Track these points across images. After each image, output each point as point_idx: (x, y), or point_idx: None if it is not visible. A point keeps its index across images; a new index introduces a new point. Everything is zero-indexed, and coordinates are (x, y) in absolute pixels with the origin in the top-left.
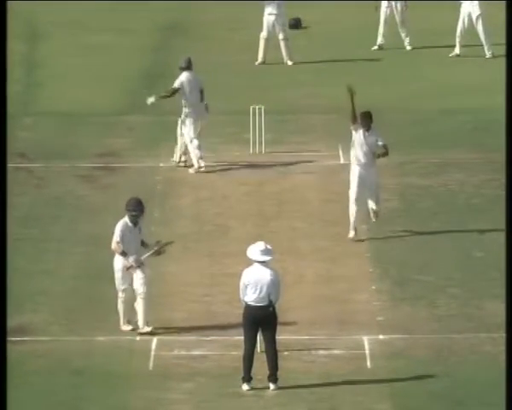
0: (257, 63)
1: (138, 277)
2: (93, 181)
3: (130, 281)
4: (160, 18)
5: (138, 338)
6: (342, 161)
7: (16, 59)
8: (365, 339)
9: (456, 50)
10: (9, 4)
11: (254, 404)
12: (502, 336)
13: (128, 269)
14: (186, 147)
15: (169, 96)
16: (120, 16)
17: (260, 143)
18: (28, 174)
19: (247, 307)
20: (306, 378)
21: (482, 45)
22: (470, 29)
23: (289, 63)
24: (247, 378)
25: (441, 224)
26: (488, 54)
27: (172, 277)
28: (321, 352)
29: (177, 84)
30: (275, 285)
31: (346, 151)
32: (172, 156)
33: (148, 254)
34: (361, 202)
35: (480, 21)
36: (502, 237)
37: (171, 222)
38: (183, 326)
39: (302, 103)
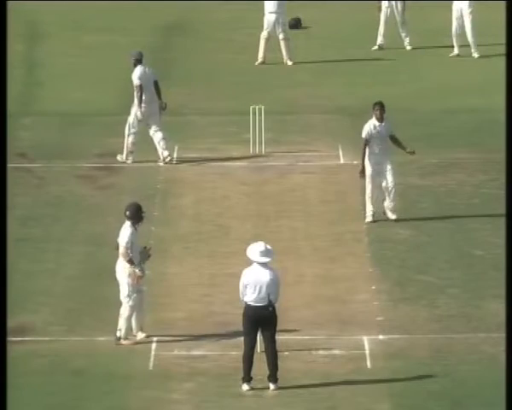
0: (257, 63)
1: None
2: (93, 181)
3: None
4: (160, 18)
5: (138, 338)
6: (342, 161)
7: (16, 59)
8: (365, 339)
9: (456, 50)
10: (9, 4)
11: (254, 404)
12: (501, 336)
13: (139, 280)
14: (163, 142)
15: (141, 95)
16: (120, 16)
17: (260, 143)
18: (28, 174)
19: (247, 307)
20: (306, 378)
21: (474, 45)
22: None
23: (289, 63)
24: (247, 378)
25: (441, 224)
26: (475, 54)
27: (172, 277)
28: (321, 352)
29: (137, 80)
30: (274, 285)
31: (346, 151)
32: (159, 157)
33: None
34: (376, 194)
35: (468, 20)
36: (502, 237)
37: (171, 222)
38: (183, 326)
39: (302, 103)
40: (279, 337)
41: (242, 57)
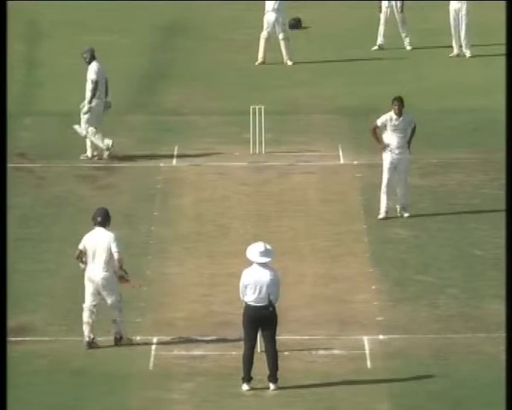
0: (257, 63)
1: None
2: (93, 181)
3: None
4: (160, 18)
5: (138, 338)
6: (342, 161)
7: (16, 59)
8: (365, 339)
9: (456, 50)
10: (9, 4)
11: (254, 404)
12: (501, 335)
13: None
14: (95, 138)
15: (95, 92)
16: (120, 16)
17: (260, 143)
18: (28, 174)
19: (247, 307)
20: (306, 378)
21: (472, 45)
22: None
23: (289, 63)
24: (247, 378)
25: (441, 224)
26: (467, 53)
27: (172, 277)
28: (321, 352)
29: (94, 75)
30: (275, 285)
31: (346, 151)
32: (86, 152)
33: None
34: (391, 188)
35: (464, 21)
36: (502, 237)
37: (171, 222)
38: (183, 326)
39: (302, 103)
40: (279, 337)
41: (242, 57)
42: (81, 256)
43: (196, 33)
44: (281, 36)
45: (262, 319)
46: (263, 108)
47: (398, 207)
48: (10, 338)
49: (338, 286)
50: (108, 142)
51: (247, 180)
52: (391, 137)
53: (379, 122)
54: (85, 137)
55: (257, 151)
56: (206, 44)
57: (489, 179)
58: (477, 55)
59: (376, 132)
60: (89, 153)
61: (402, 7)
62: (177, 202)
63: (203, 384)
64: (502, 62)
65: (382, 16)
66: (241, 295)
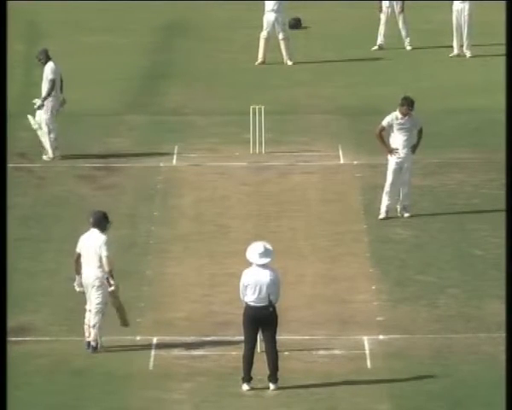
0: (257, 63)
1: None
2: (93, 181)
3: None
4: (160, 18)
5: (138, 338)
6: (342, 161)
7: (16, 59)
8: (365, 339)
9: (456, 50)
10: (9, 4)
11: (254, 404)
12: (502, 336)
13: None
14: (47, 138)
15: (52, 91)
16: (120, 16)
17: (260, 143)
18: (28, 174)
19: (248, 308)
20: (306, 378)
21: (472, 45)
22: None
23: (289, 63)
24: (247, 378)
25: (441, 224)
26: (467, 53)
27: (172, 277)
28: (321, 352)
29: (51, 75)
30: (275, 285)
31: (346, 151)
32: (46, 153)
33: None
34: (395, 189)
35: (466, 21)
36: (502, 237)
37: (171, 222)
38: (183, 326)
39: (302, 103)
40: (279, 337)
41: (242, 57)
42: (79, 260)
43: (196, 33)
44: (281, 36)
45: (262, 320)
46: (263, 108)
47: (398, 207)
48: (10, 338)
49: (338, 286)
50: (51, 154)
51: (247, 180)
52: (397, 137)
53: (384, 123)
54: (36, 131)
55: (257, 151)
56: (206, 44)
57: (489, 179)
58: (477, 55)
59: (382, 136)
60: (50, 153)
61: (402, 7)
62: (177, 202)
63: (203, 384)
64: (502, 62)
65: (383, 16)
66: (241, 296)
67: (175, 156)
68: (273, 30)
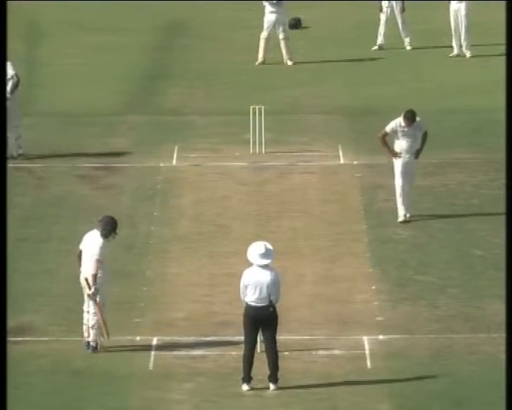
0: (257, 63)
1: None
2: (93, 181)
3: None
4: (160, 18)
5: (138, 338)
6: (342, 161)
7: (16, 59)
8: (365, 339)
9: (456, 50)
10: (9, 4)
11: (254, 404)
12: (501, 336)
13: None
14: (20, 139)
15: (17, 87)
16: (120, 16)
17: (260, 143)
18: (28, 174)
19: (248, 308)
20: (306, 378)
21: (472, 45)
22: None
23: (289, 63)
24: (247, 379)
25: (441, 224)
26: (467, 53)
27: (173, 277)
28: (321, 352)
29: (12, 73)
30: (275, 286)
31: (346, 151)
32: (17, 151)
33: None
34: (405, 191)
35: (464, 21)
36: (502, 237)
37: (171, 222)
38: (183, 326)
39: (302, 103)
40: (279, 337)
41: (242, 57)
42: (81, 256)
43: (196, 33)
44: (281, 36)
45: (262, 320)
46: (263, 108)
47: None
48: (10, 338)
49: (338, 286)
50: (13, 151)
51: (247, 180)
52: (400, 143)
53: (388, 129)
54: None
55: (257, 151)
56: (206, 44)
57: (489, 179)
58: (477, 55)
59: (385, 140)
60: (14, 152)
61: (402, 7)
62: (177, 202)
63: (203, 384)
64: (502, 62)
65: (383, 16)
66: (241, 296)
67: (175, 156)
68: (274, 30)
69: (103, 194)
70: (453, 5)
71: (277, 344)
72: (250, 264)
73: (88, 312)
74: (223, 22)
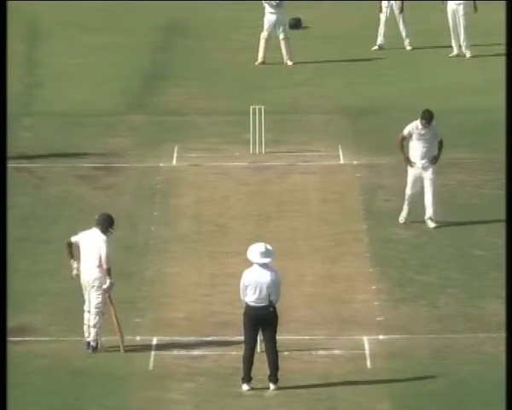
0: (257, 63)
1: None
2: (93, 181)
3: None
4: (160, 18)
5: (138, 338)
6: (342, 161)
7: (16, 59)
8: (365, 339)
9: (455, 51)
10: (9, 4)
11: (254, 404)
12: (502, 336)
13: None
14: None
15: None
16: (120, 16)
17: (260, 143)
18: (28, 174)
19: (248, 308)
20: (306, 378)
21: (472, 45)
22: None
23: (289, 63)
24: (247, 379)
25: (441, 224)
26: (467, 53)
27: (172, 277)
28: (321, 352)
29: None
30: (275, 286)
31: (346, 151)
32: None
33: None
34: (413, 198)
35: (462, 21)
36: (502, 237)
37: (171, 222)
38: (183, 326)
39: (302, 103)
40: (279, 337)
41: (242, 57)
42: (71, 247)
43: (196, 33)
44: (281, 36)
45: (262, 320)
46: (263, 108)
47: (425, 219)
48: (10, 338)
49: (338, 286)
50: None
51: (247, 180)
52: (416, 147)
53: (405, 132)
54: None
55: (257, 151)
56: (206, 44)
57: (489, 179)
58: (477, 55)
59: (403, 145)
60: None
61: (402, 7)
62: (177, 202)
63: (203, 384)
64: (502, 62)
65: (382, 16)
66: (241, 296)
67: (175, 156)
68: (274, 30)
69: (103, 194)
70: (450, 5)
71: (277, 344)
72: (250, 264)
73: (89, 311)
74: (223, 22)
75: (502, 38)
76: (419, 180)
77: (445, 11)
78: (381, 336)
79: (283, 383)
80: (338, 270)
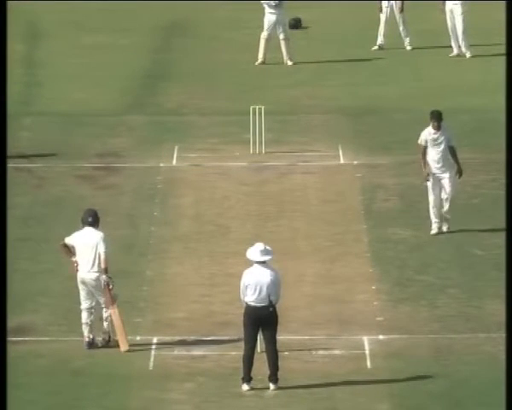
0: (257, 63)
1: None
2: (93, 181)
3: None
4: (160, 18)
5: (138, 338)
6: (342, 161)
7: (16, 59)
8: (365, 339)
9: (455, 51)
10: (9, 4)
11: (254, 404)
12: (501, 336)
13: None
14: None
15: None
16: (120, 16)
17: (260, 143)
18: (28, 174)
19: (248, 308)
20: (306, 378)
21: (472, 45)
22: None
23: (289, 63)
24: (247, 379)
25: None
26: (467, 54)
27: (172, 277)
28: (321, 352)
29: None
30: (275, 286)
31: (346, 151)
32: None
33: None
34: (438, 205)
35: (460, 21)
36: (502, 237)
37: (171, 222)
38: (183, 326)
39: (302, 103)
40: (279, 337)
41: (242, 57)
42: (64, 248)
43: (196, 33)
44: (281, 36)
45: (262, 320)
46: (263, 108)
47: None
48: (10, 338)
49: (338, 286)
50: None
51: (247, 180)
52: (431, 152)
53: (421, 141)
54: None
55: (257, 151)
56: (207, 44)
57: (489, 179)
58: (477, 55)
59: (425, 156)
60: None
61: (402, 7)
62: (177, 202)
63: (203, 384)
64: (502, 62)
65: (382, 16)
66: (241, 296)
67: (175, 156)
68: (274, 30)
69: (103, 194)
70: (448, 5)
71: (277, 344)
72: (250, 264)
73: (89, 310)
74: (223, 22)
75: (502, 38)
76: (437, 188)
77: (443, 11)
78: (380, 336)
79: (283, 383)
80: (338, 270)
